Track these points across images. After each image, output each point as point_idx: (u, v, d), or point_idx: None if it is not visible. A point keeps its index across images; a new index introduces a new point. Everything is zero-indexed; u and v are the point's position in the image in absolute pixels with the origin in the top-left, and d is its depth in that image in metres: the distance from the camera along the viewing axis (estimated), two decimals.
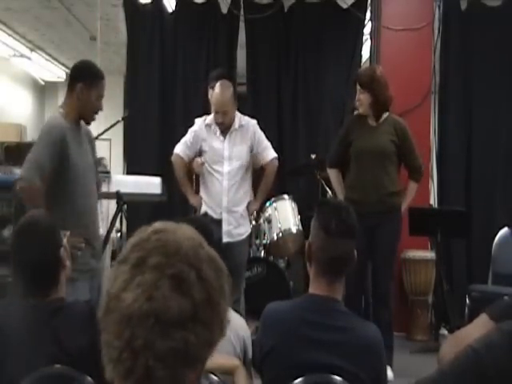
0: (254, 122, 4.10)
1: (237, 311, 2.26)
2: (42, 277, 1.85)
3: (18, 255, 1.87)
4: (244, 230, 4.07)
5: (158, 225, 0.89)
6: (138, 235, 0.88)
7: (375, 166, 3.92)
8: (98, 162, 3.31)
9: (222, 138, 3.98)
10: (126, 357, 0.80)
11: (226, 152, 3.97)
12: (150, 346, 0.79)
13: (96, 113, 3.05)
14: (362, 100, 3.97)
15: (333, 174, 4.24)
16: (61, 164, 2.85)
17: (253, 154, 4.05)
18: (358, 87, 4.00)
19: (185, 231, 0.89)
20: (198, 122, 4.09)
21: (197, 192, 4.16)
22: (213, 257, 0.89)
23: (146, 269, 0.82)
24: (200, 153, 4.05)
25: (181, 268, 0.82)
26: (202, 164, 3.99)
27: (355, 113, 4.14)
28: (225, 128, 3.96)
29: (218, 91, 3.89)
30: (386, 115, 4.01)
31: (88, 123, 3.08)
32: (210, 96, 4.27)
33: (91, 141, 3.19)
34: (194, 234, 0.90)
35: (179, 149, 4.07)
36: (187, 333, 0.81)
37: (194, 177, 4.33)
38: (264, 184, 4.11)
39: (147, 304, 0.79)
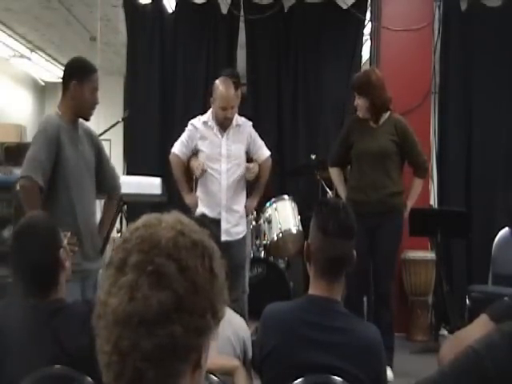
0: (250, 123, 4.14)
1: (236, 311, 2.25)
2: (41, 278, 1.85)
3: (18, 256, 1.87)
4: (241, 229, 4.08)
5: (141, 220, 0.87)
6: (122, 236, 0.87)
7: (376, 167, 3.93)
8: (108, 164, 3.26)
9: (219, 135, 4.00)
10: (115, 360, 0.79)
11: (223, 150, 3.98)
12: (136, 347, 0.79)
13: (93, 108, 3.02)
14: (360, 105, 3.99)
15: (334, 172, 4.25)
16: (55, 163, 2.85)
17: (250, 154, 4.08)
18: (355, 94, 4.01)
19: (168, 221, 0.87)
20: (194, 121, 4.10)
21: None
22: (196, 241, 0.86)
23: (128, 269, 0.81)
24: (196, 152, 4.05)
25: (159, 262, 0.81)
26: (204, 171, 3.97)
27: (356, 113, 4.14)
28: (228, 124, 3.97)
29: (222, 88, 3.90)
30: (386, 115, 4.01)
31: (87, 120, 3.07)
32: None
33: (93, 138, 3.16)
34: (177, 222, 0.87)
35: (176, 148, 4.09)
36: (172, 325, 0.80)
37: (194, 176, 4.33)
38: (260, 182, 4.16)
39: (129, 305, 0.79)
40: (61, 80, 3.02)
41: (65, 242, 1.98)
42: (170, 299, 0.80)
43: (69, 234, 2.07)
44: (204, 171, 3.97)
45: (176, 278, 0.81)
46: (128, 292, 0.79)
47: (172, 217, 0.88)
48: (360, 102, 3.98)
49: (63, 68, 3.09)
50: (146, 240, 0.83)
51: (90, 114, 3.05)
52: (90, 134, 3.14)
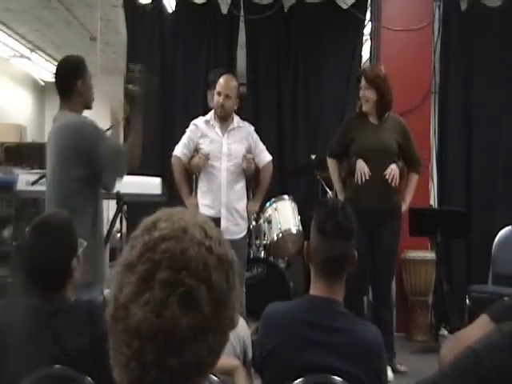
0: (253, 127, 4.19)
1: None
2: (47, 281, 1.82)
3: (29, 253, 1.83)
4: (241, 229, 4.09)
5: (163, 226, 0.85)
6: (143, 235, 0.84)
7: (378, 164, 3.92)
8: None
9: (220, 134, 4.02)
10: (134, 367, 0.79)
11: (224, 148, 4.00)
12: (160, 361, 0.79)
13: (93, 91, 3.12)
14: (368, 96, 3.96)
15: (332, 164, 4.24)
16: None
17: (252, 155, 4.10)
18: (363, 83, 3.97)
19: (192, 234, 0.84)
20: (196, 120, 4.14)
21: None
22: (221, 256, 0.85)
23: (155, 284, 0.79)
24: (197, 152, 4.06)
25: (190, 284, 0.80)
26: (208, 158, 3.97)
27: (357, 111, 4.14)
28: (223, 117, 4.00)
29: (222, 79, 4.00)
30: (386, 114, 4.02)
31: (90, 108, 3.13)
32: (208, 100, 4.36)
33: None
34: (202, 233, 0.85)
35: (178, 150, 4.11)
36: (198, 345, 0.80)
37: (194, 177, 4.33)
38: (262, 185, 4.19)
39: (156, 322, 0.78)
40: (63, 86, 3.03)
41: (80, 251, 1.92)
42: (198, 321, 0.80)
43: (85, 243, 2.00)
44: (207, 158, 3.97)
45: (205, 299, 0.81)
46: (156, 309, 0.78)
47: (194, 224, 0.86)
48: (368, 94, 3.95)
49: (60, 69, 3.08)
50: (176, 257, 0.81)
51: (93, 100, 3.13)
52: None
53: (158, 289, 0.79)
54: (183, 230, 0.84)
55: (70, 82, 2.98)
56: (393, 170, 3.90)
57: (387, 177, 3.88)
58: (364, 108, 4.00)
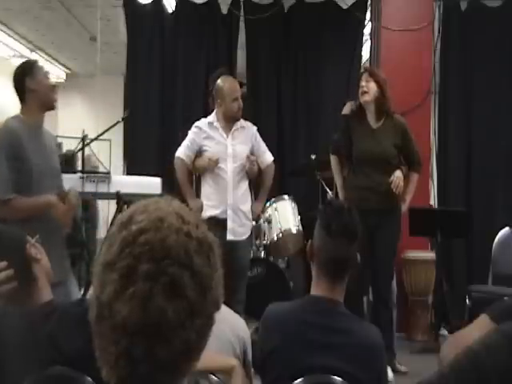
0: (255, 127, 4.18)
1: (238, 312, 2.25)
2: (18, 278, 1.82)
3: None
4: (246, 230, 4.09)
5: (139, 218, 0.83)
6: (120, 231, 0.83)
7: (377, 168, 3.94)
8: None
9: (224, 135, 4.01)
10: (123, 364, 0.79)
11: (229, 149, 4.00)
12: (150, 355, 0.78)
13: (52, 91, 3.04)
14: (369, 87, 3.97)
15: (334, 160, 4.27)
16: (18, 170, 2.85)
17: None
18: (365, 76, 4.00)
19: (170, 222, 0.83)
20: (198, 122, 4.12)
21: (196, 195, 4.18)
22: (201, 240, 0.85)
23: (138, 278, 0.79)
24: (200, 153, 4.05)
25: (173, 272, 0.80)
26: (216, 162, 3.94)
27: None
28: (239, 116, 4.02)
29: (228, 83, 4.01)
30: (383, 118, 4.03)
31: (53, 108, 3.07)
32: (211, 99, 4.37)
33: (57, 145, 3.28)
34: (179, 220, 0.84)
35: (180, 152, 4.09)
36: (187, 332, 0.80)
37: (194, 178, 4.33)
38: (265, 186, 4.20)
39: (143, 316, 0.78)
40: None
41: (33, 240, 1.93)
42: (185, 307, 0.80)
43: (37, 236, 2.01)
44: (216, 163, 3.95)
45: (189, 285, 0.81)
46: (141, 303, 0.78)
47: (170, 212, 0.86)
48: (369, 85, 3.97)
49: (13, 78, 3.09)
50: (156, 248, 0.81)
51: (55, 100, 3.05)
52: (54, 139, 3.28)
53: (141, 282, 0.78)
54: (160, 220, 0.83)
55: (20, 82, 3.03)
56: (397, 178, 3.90)
57: (392, 185, 3.88)
58: (363, 99, 3.99)
